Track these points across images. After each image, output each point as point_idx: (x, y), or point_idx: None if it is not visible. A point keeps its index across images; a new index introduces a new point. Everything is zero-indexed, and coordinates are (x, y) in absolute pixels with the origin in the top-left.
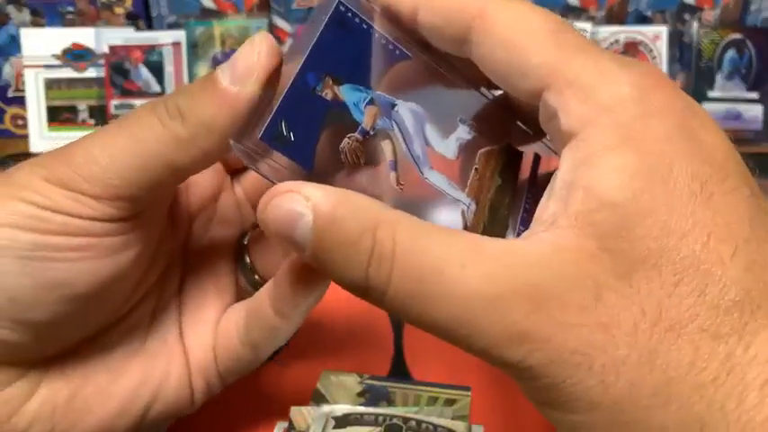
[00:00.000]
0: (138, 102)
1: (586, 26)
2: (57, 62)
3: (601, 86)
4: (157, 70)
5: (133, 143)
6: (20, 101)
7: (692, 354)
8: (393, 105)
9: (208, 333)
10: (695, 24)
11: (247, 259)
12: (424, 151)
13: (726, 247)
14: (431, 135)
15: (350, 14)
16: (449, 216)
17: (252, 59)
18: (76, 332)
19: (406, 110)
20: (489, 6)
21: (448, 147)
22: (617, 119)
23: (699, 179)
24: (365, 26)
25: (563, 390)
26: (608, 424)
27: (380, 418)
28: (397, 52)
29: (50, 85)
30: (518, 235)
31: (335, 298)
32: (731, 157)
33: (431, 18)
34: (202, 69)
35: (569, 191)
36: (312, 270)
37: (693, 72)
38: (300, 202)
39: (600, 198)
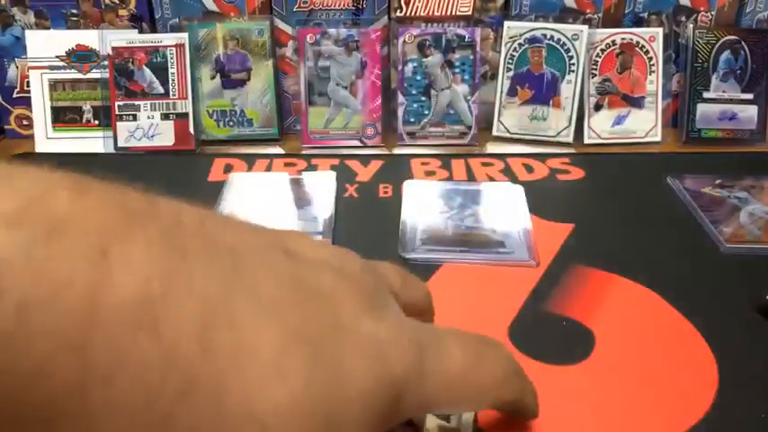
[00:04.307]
0: (142, 103)
1: (583, 28)
2: (61, 63)
3: None
4: (161, 71)
5: None
6: (25, 102)
7: None
8: None
9: None
10: (691, 26)
11: None
12: None
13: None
14: None
15: None
16: None
17: None
18: None
19: None
20: None
21: None
22: None
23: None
24: None
25: None
26: None
27: None
28: None
29: (55, 86)
30: None
31: None
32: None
33: None
34: (205, 71)
35: None
36: None
37: (689, 73)
38: None
39: None
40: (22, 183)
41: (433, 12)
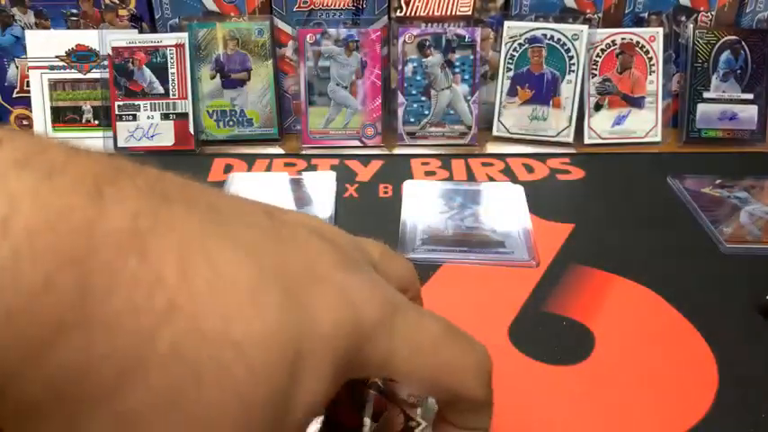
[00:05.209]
0: (142, 103)
1: (583, 28)
2: (61, 63)
3: None
4: (161, 71)
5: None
6: (25, 101)
7: None
8: None
9: None
10: (691, 26)
11: None
12: None
13: None
14: None
15: None
16: None
17: None
18: None
19: None
20: None
21: None
22: None
23: None
24: None
25: None
26: None
27: None
28: None
29: (55, 86)
30: None
31: None
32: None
33: None
34: (205, 71)
35: None
36: None
37: (689, 73)
38: None
39: None
40: (23, 140)
41: (433, 12)
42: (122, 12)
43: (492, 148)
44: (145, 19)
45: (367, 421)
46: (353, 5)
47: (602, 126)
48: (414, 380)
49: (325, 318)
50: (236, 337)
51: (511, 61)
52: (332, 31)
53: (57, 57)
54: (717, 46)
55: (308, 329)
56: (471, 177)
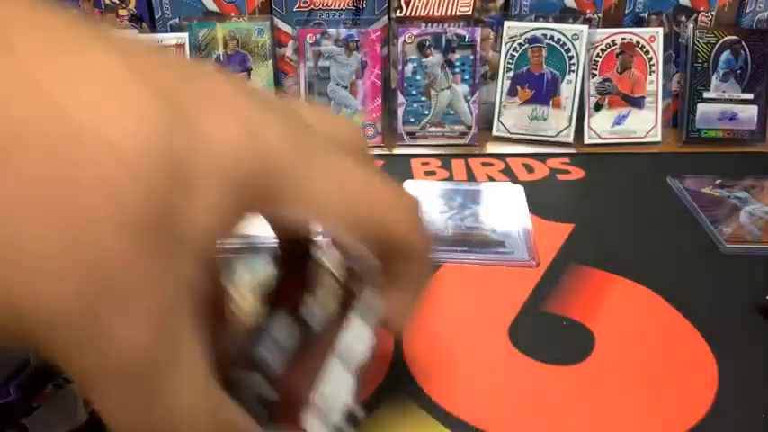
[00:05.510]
0: None
1: (583, 28)
2: None
3: None
4: None
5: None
6: None
7: None
8: None
9: None
10: (691, 26)
11: None
12: None
13: None
14: None
15: None
16: None
17: None
18: None
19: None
20: None
21: None
22: None
23: None
24: None
25: None
26: None
27: None
28: None
29: None
30: None
31: None
32: None
33: None
34: None
35: None
36: None
37: (689, 73)
38: None
39: None
40: None
41: (433, 12)
42: (122, 12)
43: (492, 148)
44: (145, 19)
45: (307, 296)
46: (353, 5)
47: (602, 126)
48: (342, 219)
49: (217, 136)
50: (112, 138)
51: (511, 61)
52: (332, 31)
53: None
54: (717, 46)
55: (197, 144)
56: (471, 177)
